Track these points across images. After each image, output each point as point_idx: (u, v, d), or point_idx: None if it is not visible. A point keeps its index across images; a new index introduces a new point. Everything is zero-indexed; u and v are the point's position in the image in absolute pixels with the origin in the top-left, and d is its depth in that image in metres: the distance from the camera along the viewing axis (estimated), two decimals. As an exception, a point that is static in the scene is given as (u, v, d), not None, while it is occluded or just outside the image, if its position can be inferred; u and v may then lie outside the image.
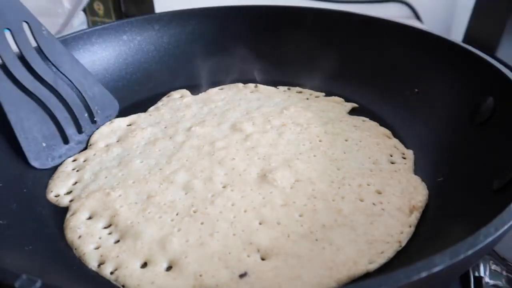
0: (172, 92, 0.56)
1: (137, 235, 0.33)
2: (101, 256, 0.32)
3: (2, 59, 0.39)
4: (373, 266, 0.30)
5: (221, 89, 0.57)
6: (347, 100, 0.53)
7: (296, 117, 0.48)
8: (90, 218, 0.36)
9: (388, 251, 0.31)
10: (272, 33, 0.60)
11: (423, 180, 0.38)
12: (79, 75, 0.47)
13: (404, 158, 0.42)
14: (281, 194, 0.37)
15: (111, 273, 0.31)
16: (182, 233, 0.33)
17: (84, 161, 0.43)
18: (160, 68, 0.58)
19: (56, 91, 0.44)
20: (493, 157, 0.34)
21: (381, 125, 0.47)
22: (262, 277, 0.29)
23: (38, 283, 0.19)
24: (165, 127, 0.48)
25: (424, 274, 0.18)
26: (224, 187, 0.38)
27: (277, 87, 0.57)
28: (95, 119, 0.48)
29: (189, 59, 0.60)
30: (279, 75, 0.59)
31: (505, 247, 0.35)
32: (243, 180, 0.38)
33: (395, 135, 0.46)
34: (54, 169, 0.42)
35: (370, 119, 0.49)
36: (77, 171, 0.42)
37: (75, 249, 0.33)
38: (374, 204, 0.36)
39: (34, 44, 0.43)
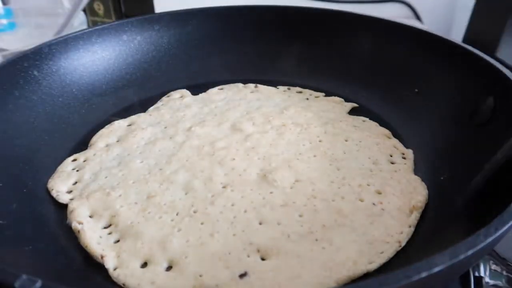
0: (172, 92, 0.56)
1: (137, 235, 0.33)
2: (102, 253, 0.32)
3: None
4: (372, 266, 0.30)
5: (221, 89, 0.57)
6: (347, 100, 0.53)
7: (296, 117, 0.48)
8: (90, 217, 0.36)
9: (388, 251, 0.31)
10: (272, 33, 0.61)
11: (423, 180, 0.38)
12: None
13: (404, 158, 0.42)
14: (281, 194, 0.37)
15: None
16: (182, 233, 0.33)
17: (84, 161, 0.43)
18: (160, 68, 0.58)
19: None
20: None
21: (381, 125, 0.47)
22: (262, 277, 0.29)
23: (38, 283, 0.19)
24: (165, 127, 0.48)
25: (424, 274, 0.18)
26: (224, 187, 0.38)
27: (277, 87, 0.57)
28: None
29: (189, 59, 0.60)
30: (279, 75, 0.59)
31: (505, 247, 0.35)
32: (243, 180, 0.38)
33: (395, 135, 0.46)
34: (54, 169, 0.42)
35: (370, 119, 0.49)
36: (77, 171, 0.42)
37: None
38: (374, 204, 0.36)
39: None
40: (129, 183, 0.39)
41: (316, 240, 0.32)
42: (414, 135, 0.45)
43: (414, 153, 0.42)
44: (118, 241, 0.33)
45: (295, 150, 0.43)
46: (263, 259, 0.31)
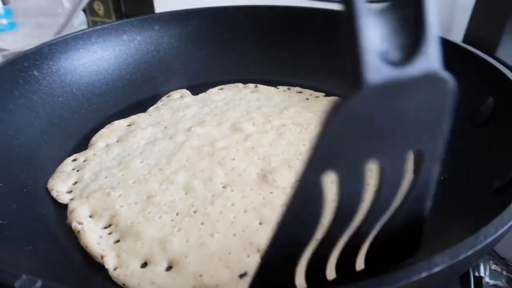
0: (172, 92, 0.56)
1: (137, 235, 0.33)
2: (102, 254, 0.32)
3: None
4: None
5: (221, 89, 0.57)
6: (347, 100, 0.53)
7: (296, 117, 0.48)
8: (90, 217, 0.36)
9: (388, 251, 0.31)
10: (272, 33, 0.61)
11: (423, 180, 0.38)
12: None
13: (404, 158, 0.42)
14: (281, 194, 0.37)
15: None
16: (182, 233, 0.33)
17: (84, 161, 0.43)
18: (160, 68, 0.58)
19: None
20: (493, 157, 0.34)
21: (381, 125, 0.47)
22: (262, 277, 0.29)
23: (38, 283, 0.19)
24: (165, 127, 0.48)
25: (424, 274, 0.18)
26: (224, 187, 0.38)
27: (277, 87, 0.57)
28: None
29: (189, 59, 0.60)
30: (279, 75, 0.59)
31: (505, 247, 0.35)
32: (243, 180, 0.38)
33: (395, 135, 0.46)
34: (54, 169, 0.42)
35: (370, 119, 0.49)
36: (77, 171, 0.42)
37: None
38: (374, 204, 0.35)
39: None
40: (129, 183, 0.39)
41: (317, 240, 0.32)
42: (414, 135, 0.45)
43: (414, 153, 0.42)
44: (118, 241, 0.33)
45: (295, 150, 0.43)
46: (263, 259, 0.31)
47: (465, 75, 0.43)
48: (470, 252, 0.20)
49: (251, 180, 0.39)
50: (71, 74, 0.51)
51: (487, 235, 0.21)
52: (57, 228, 0.35)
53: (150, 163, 0.42)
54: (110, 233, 0.34)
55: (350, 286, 0.18)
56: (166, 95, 0.55)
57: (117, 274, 0.30)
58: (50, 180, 0.40)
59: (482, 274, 0.34)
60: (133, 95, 0.55)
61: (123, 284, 0.30)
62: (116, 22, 0.57)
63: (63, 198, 0.38)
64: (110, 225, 0.35)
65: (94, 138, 0.46)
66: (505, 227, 0.22)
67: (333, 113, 0.18)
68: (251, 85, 0.57)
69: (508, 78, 0.37)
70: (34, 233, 0.34)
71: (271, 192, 0.37)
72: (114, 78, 0.55)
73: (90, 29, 0.54)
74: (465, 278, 0.33)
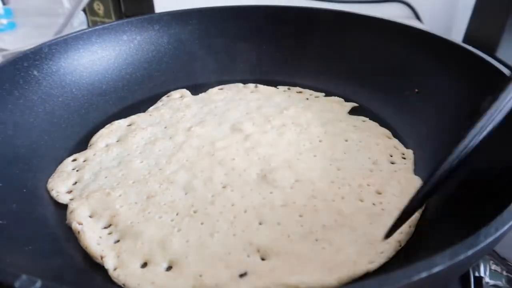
0: (172, 92, 0.56)
1: (137, 235, 0.33)
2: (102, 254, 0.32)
3: None
4: (373, 266, 0.30)
5: (221, 89, 0.57)
6: (347, 100, 0.53)
7: (296, 117, 0.48)
8: (90, 217, 0.36)
9: (388, 251, 0.31)
10: (272, 33, 0.61)
11: (423, 180, 0.38)
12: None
13: (404, 158, 0.42)
14: (281, 194, 0.37)
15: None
16: (182, 233, 0.33)
17: (84, 161, 0.43)
18: (160, 68, 0.58)
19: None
20: (493, 157, 0.34)
21: (381, 125, 0.47)
22: (262, 277, 0.29)
23: (38, 283, 0.19)
24: (165, 127, 0.48)
25: (424, 274, 0.18)
26: (224, 187, 0.38)
27: (277, 87, 0.57)
28: None
29: (189, 59, 0.60)
30: (279, 75, 0.59)
31: (505, 247, 0.35)
32: (243, 180, 0.38)
33: (395, 135, 0.46)
34: (54, 169, 0.42)
35: (370, 119, 0.49)
36: (77, 171, 0.42)
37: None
38: (374, 204, 0.35)
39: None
40: (129, 183, 0.39)
41: (316, 240, 0.32)
42: (414, 135, 0.45)
43: (414, 153, 0.42)
44: (118, 241, 0.33)
45: (295, 150, 0.43)
46: (263, 259, 0.31)
47: (465, 75, 0.43)
48: (470, 252, 0.20)
49: (251, 180, 0.38)
50: (71, 74, 0.51)
51: (487, 235, 0.21)
52: (57, 228, 0.35)
53: (150, 163, 0.42)
54: (110, 233, 0.34)
55: (351, 286, 0.18)
56: (166, 95, 0.55)
57: (117, 274, 0.30)
58: (50, 180, 0.40)
59: (482, 274, 0.34)
60: (133, 95, 0.55)
61: (123, 284, 0.30)
62: (116, 22, 0.57)
63: (63, 198, 0.38)
64: (110, 225, 0.35)
65: (94, 138, 0.46)
66: (505, 227, 0.22)
67: None
68: (251, 85, 0.57)
69: (508, 78, 0.37)
70: (34, 233, 0.34)
71: (271, 192, 0.37)
72: (114, 78, 0.55)
73: (90, 29, 0.54)
74: (465, 278, 0.33)
